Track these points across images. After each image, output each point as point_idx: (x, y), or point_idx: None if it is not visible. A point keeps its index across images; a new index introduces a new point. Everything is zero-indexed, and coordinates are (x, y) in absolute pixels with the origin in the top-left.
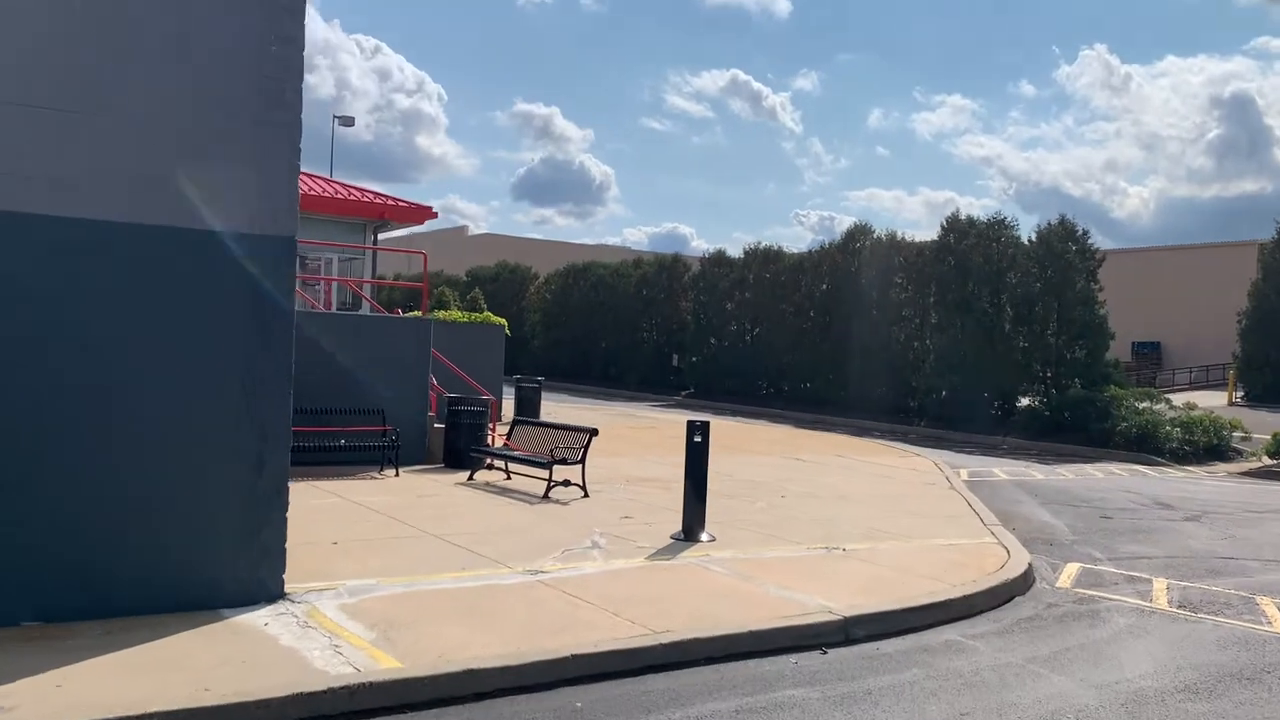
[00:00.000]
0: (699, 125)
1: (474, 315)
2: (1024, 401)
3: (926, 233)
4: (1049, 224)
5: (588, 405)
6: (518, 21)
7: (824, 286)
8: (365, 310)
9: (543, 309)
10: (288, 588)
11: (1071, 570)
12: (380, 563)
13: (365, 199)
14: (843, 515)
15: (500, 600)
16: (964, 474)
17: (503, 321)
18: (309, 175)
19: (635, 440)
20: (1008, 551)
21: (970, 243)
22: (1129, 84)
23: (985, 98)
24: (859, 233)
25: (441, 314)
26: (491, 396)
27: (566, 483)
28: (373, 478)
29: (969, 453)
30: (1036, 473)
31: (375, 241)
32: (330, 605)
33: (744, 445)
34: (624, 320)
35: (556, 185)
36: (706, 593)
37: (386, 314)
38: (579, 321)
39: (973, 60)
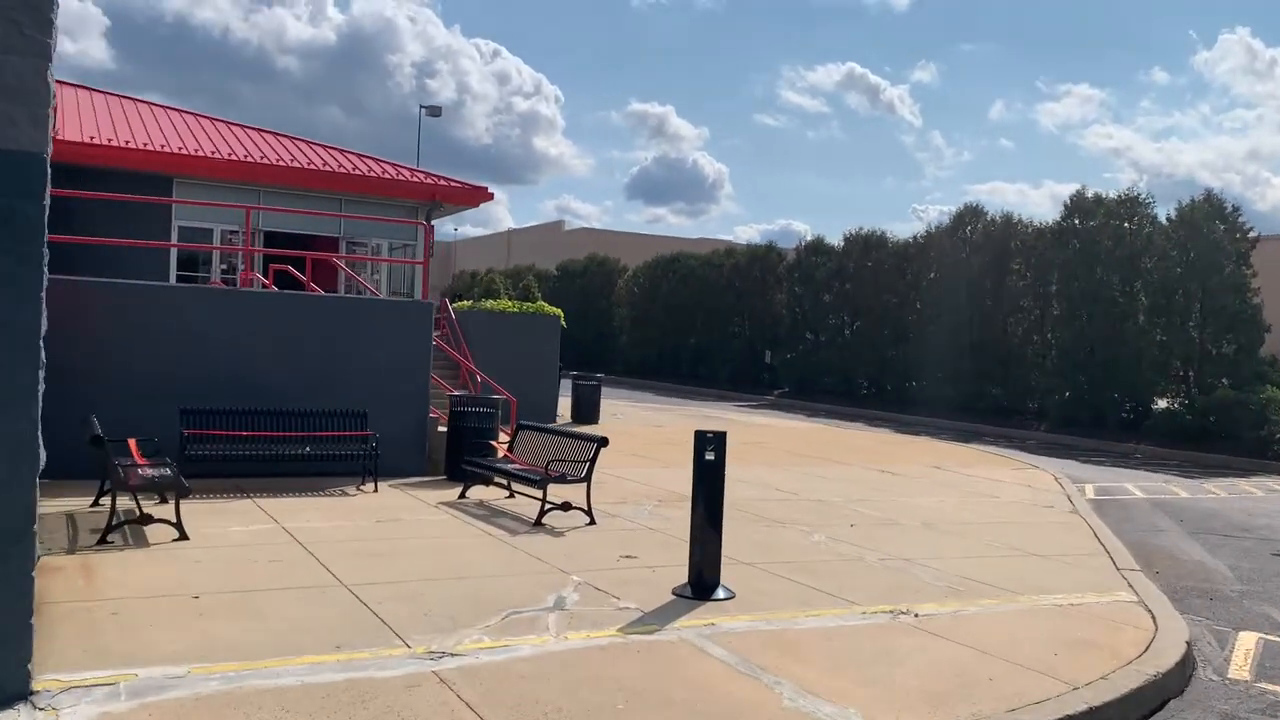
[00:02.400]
0: (814, 120)
1: (525, 305)
2: (1161, 404)
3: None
4: (1192, 200)
5: (664, 405)
6: (633, 21)
7: (931, 275)
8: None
9: (630, 303)
10: (48, 680)
11: (1247, 645)
12: (229, 634)
13: (415, 179)
14: (925, 554)
15: (349, 714)
16: (1089, 491)
17: (557, 311)
18: (354, 154)
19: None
20: (1153, 617)
21: (1098, 223)
22: (1274, 69)
23: (1114, 86)
24: (970, 215)
25: (490, 303)
26: (505, 395)
27: (566, 506)
28: (342, 494)
29: (1096, 463)
30: (1179, 489)
31: (429, 224)
32: (86, 715)
33: (826, 453)
34: (714, 314)
35: (670, 184)
36: (680, 704)
37: (378, 296)
38: (667, 316)
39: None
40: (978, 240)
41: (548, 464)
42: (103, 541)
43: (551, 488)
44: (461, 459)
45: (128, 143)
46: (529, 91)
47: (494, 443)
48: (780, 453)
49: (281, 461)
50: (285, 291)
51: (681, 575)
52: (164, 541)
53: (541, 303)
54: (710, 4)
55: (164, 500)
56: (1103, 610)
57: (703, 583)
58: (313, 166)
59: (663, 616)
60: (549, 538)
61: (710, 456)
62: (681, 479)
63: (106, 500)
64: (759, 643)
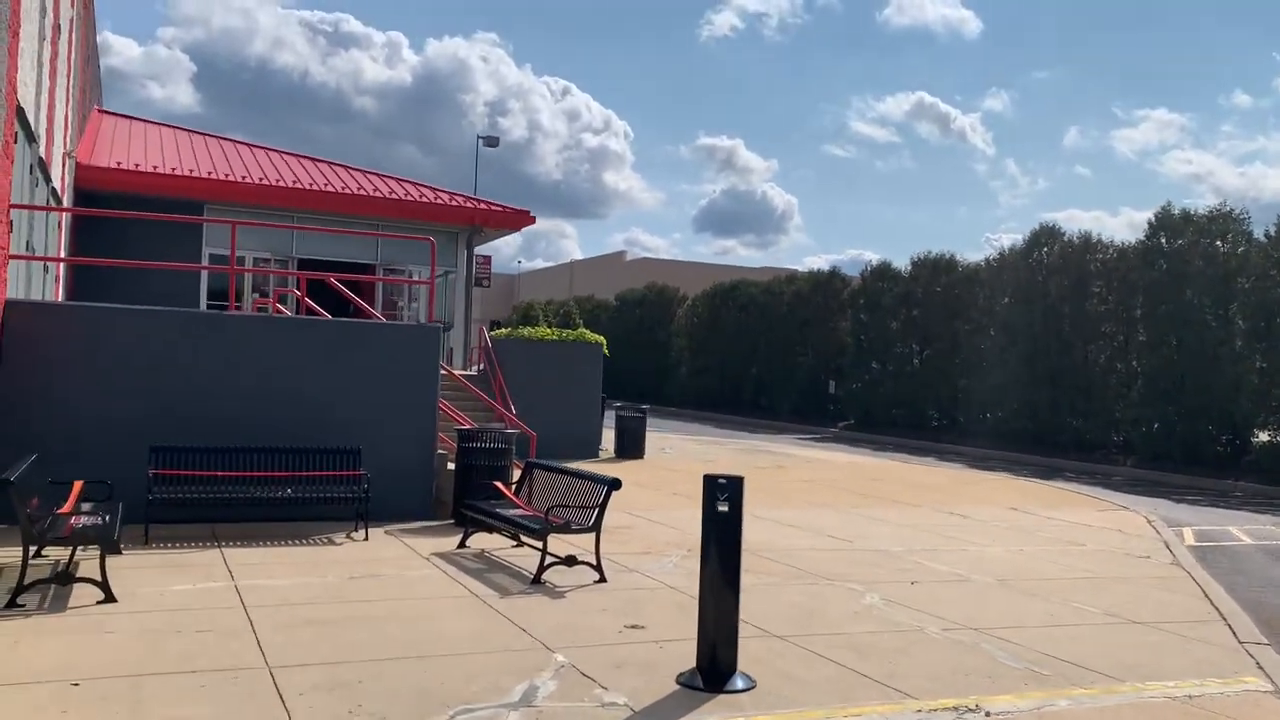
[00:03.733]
0: (884, 150)
1: (565, 332)
2: (1262, 436)
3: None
4: None
5: (719, 438)
6: (701, 55)
7: (1005, 300)
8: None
9: (689, 333)
10: None
11: None
12: None
13: (454, 203)
14: (1000, 621)
15: None
16: (1188, 536)
17: (599, 339)
18: (393, 178)
19: (748, 486)
20: None
21: (1186, 242)
22: None
23: (1193, 111)
24: (1046, 236)
25: (527, 331)
26: (519, 429)
27: (571, 560)
28: (328, 542)
29: (1191, 502)
30: None
31: (471, 250)
32: None
33: (889, 492)
34: (775, 344)
35: (739, 216)
36: None
37: (381, 320)
38: (727, 346)
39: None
40: (1055, 262)
41: (549, 510)
42: (11, 604)
43: (557, 538)
44: (454, 502)
45: (156, 168)
46: (598, 127)
47: (499, 484)
48: (838, 492)
49: (258, 505)
50: (271, 315)
51: (691, 656)
52: (88, 604)
53: (583, 330)
54: (778, 36)
55: (118, 551)
56: (1231, 707)
57: (715, 669)
58: (348, 191)
59: (658, 718)
60: (545, 600)
61: (723, 508)
62: None
63: (52, 551)
64: None
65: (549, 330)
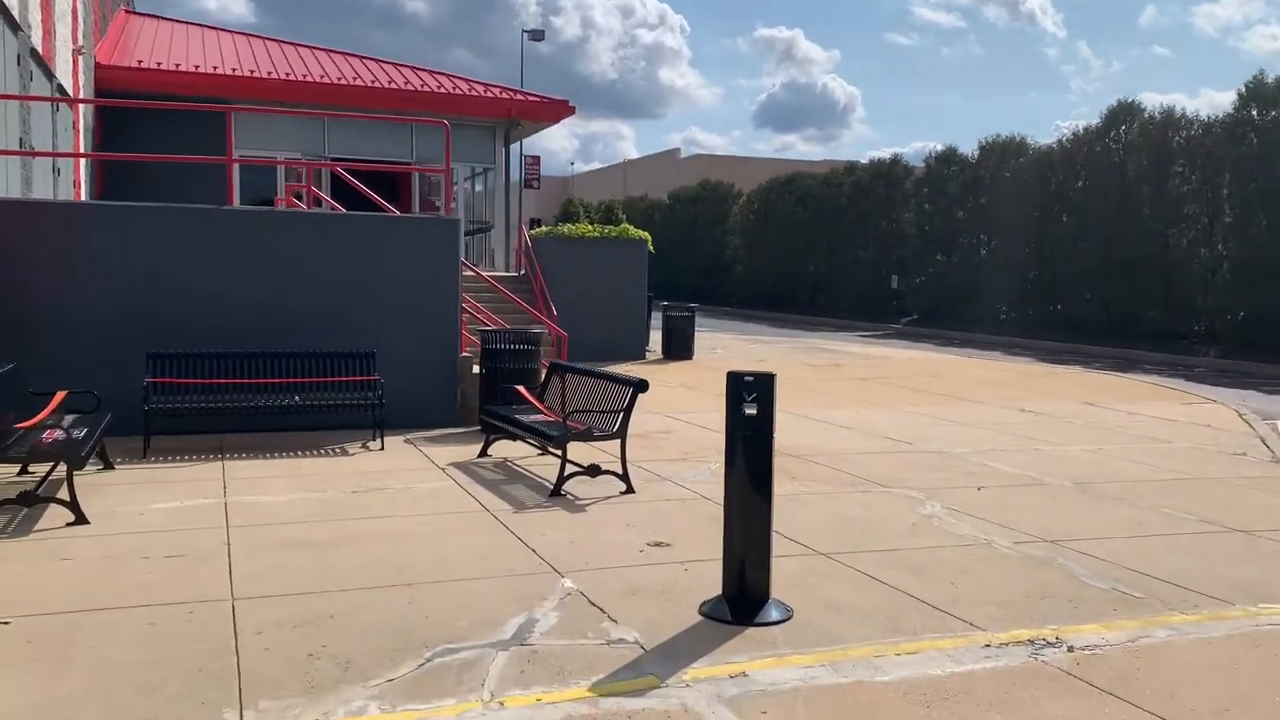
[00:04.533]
0: (949, 36)
1: (608, 229)
2: None
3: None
4: None
5: (774, 338)
6: None
7: (1079, 184)
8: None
9: (744, 230)
10: None
11: None
12: None
13: (490, 95)
14: (1079, 531)
15: None
16: None
17: (644, 236)
18: (426, 71)
19: (800, 385)
20: None
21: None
22: None
23: None
24: (1124, 113)
25: (566, 228)
26: (549, 328)
27: (594, 470)
28: (341, 453)
29: None
30: None
31: (507, 146)
32: None
33: (955, 389)
34: (834, 238)
35: (799, 110)
36: None
37: (395, 213)
38: (784, 242)
39: None
40: (1134, 141)
41: (568, 415)
42: None
43: (579, 446)
44: (480, 407)
45: (179, 65)
46: (653, 23)
47: (521, 388)
48: (898, 390)
49: (264, 415)
50: (276, 210)
51: (716, 582)
52: (56, 527)
53: (626, 225)
54: None
55: (110, 465)
56: None
57: (743, 598)
58: (377, 85)
59: (671, 658)
60: (562, 514)
61: (750, 410)
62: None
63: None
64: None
65: (590, 227)
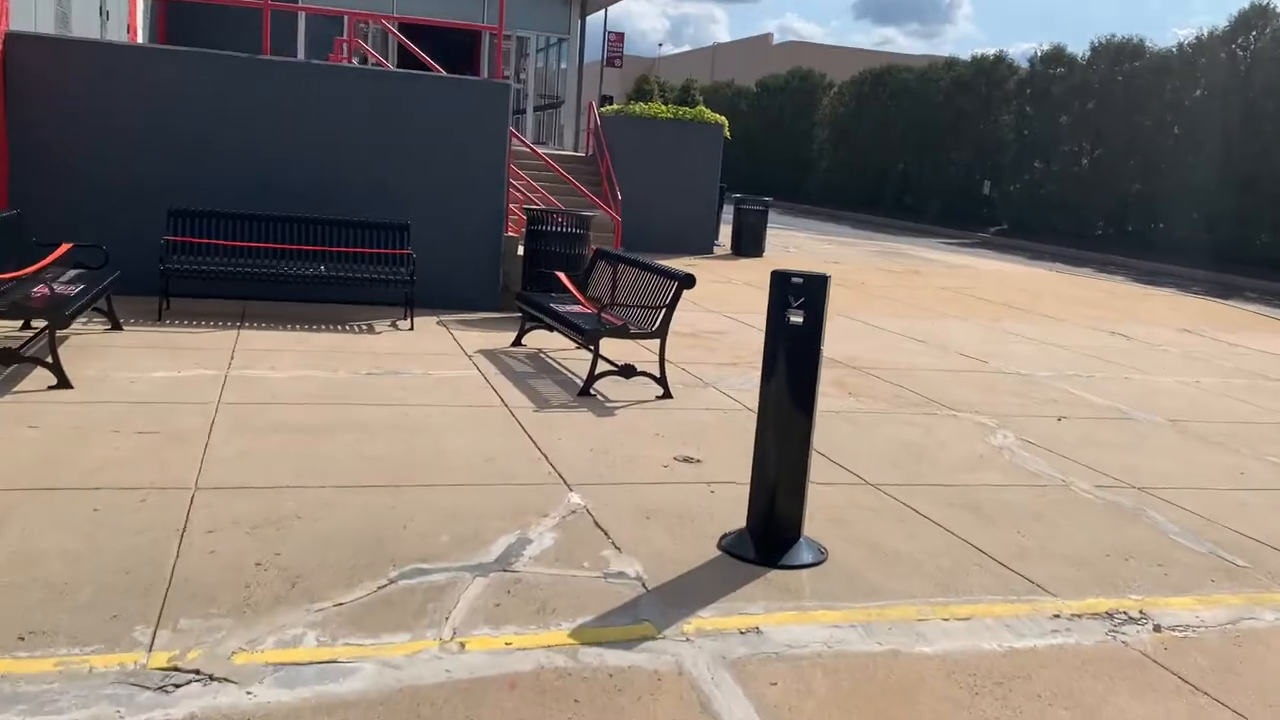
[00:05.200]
0: None
1: (682, 110)
2: None
3: None
4: None
5: (853, 239)
6: None
7: (1198, 93)
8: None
9: (832, 124)
10: None
11: None
12: None
13: None
14: (1172, 478)
15: None
16: None
17: (719, 119)
18: None
19: (873, 292)
20: None
21: None
22: None
23: None
24: (1256, 16)
25: (638, 108)
26: (603, 211)
27: (629, 370)
28: (367, 330)
29: None
30: None
31: (583, 15)
32: None
33: (1040, 306)
34: (927, 137)
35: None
36: None
37: (440, 73)
38: (873, 139)
39: None
40: (1263, 48)
41: (604, 307)
42: None
43: (618, 343)
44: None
45: None
46: None
47: (561, 274)
48: (979, 302)
49: (286, 283)
50: (308, 62)
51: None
52: (37, 390)
53: (702, 107)
54: None
55: (118, 325)
56: None
57: (771, 533)
58: None
59: (675, 602)
60: (587, 416)
61: (795, 318)
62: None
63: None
64: (831, 698)
65: (663, 107)
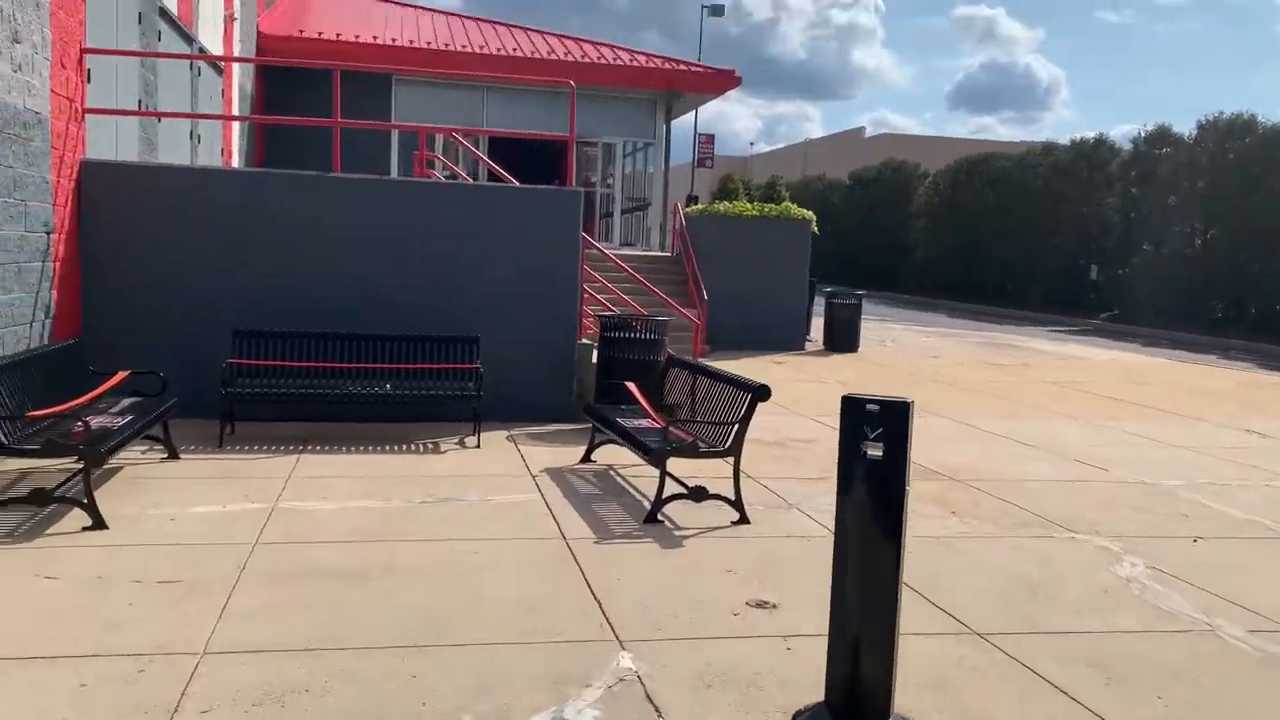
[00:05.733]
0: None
1: (767, 207)
2: None
3: None
4: None
5: (953, 330)
6: None
7: None
8: (655, 209)
9: (928, 213)
10: None
11: None
12: None
13: (650, 65)
14: None
15: None
16: None
17: (806, 214)
18: (589, 41)
19: (977, 388)
20: None
21: None
22: None
23: None
24: None
25: (722, 206)
26: (683, 314)
27: (700, 493)
28: (431, 450)
29: None
30: None
31: (668, 119)
32: None
33: (1160, 400)
34: (1026, 223)
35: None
36: None
37: (513, 184)
38: (971, 226)
39: None
40: None
41: (670, 423)
42: None
43: (684, 462)
44: (598, 401)
45: (340, 35)
46: (847, 2)
47: (631, 385)
48: (1093, 398)
49: (353, 404)
50: (374, 177)
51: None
52: (73, 531)
53: (789, 204)
54: None
55: (175, 454)
56: None
57: (853, 710)
58: (537, 55)
59: None
60: (652, 549)
61: (874, 451)
62: (932, 441)
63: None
64: None
65: (748, 205)
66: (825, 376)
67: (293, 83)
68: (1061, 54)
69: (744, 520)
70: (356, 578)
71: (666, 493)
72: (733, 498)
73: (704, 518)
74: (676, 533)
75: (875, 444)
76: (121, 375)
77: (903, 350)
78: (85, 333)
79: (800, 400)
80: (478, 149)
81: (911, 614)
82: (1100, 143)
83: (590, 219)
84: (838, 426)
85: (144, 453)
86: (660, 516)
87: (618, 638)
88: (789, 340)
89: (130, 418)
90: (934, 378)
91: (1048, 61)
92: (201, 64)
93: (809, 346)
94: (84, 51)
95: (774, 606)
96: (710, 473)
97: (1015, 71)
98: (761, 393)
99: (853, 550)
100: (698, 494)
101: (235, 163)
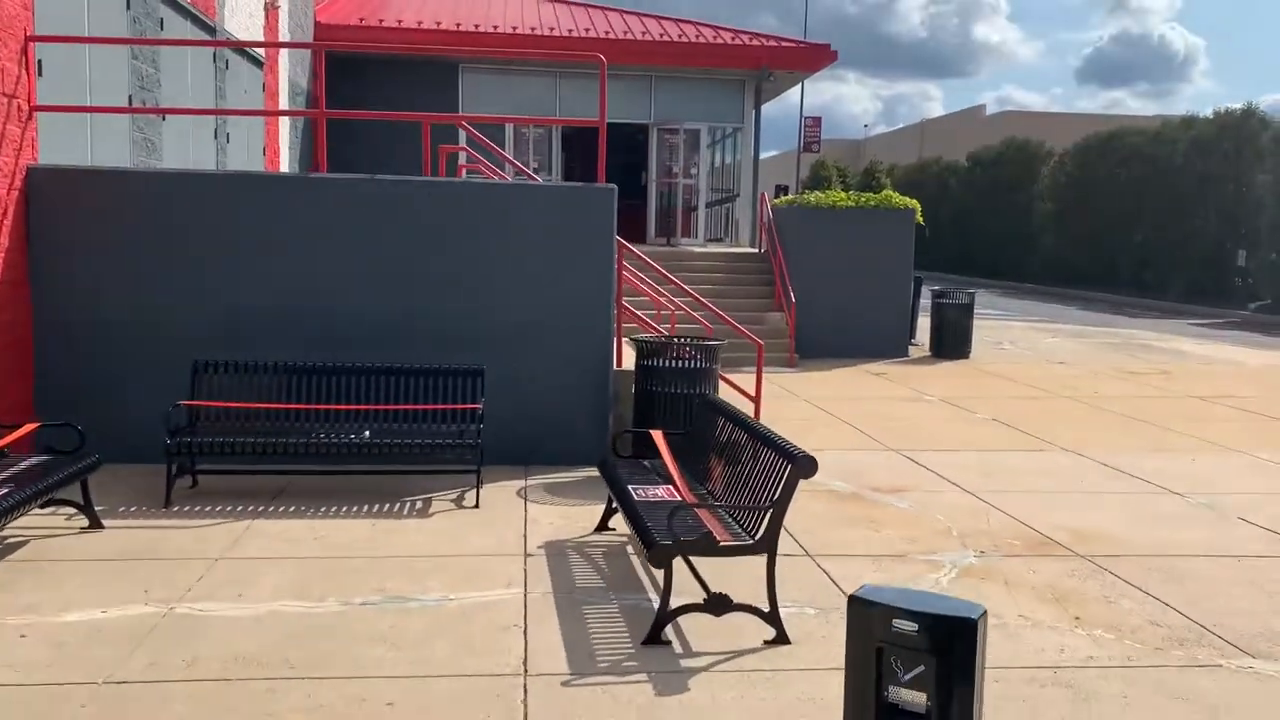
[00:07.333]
0: None
1: (865, 197)
2: None
3: None
4: None
5: (1082, 327)
6: None
7: None
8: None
9: (1055, 195)
10: None
11: None
12: None
13: (736, 42)
14: None
15: None
16: None
17: (911, 204)
18: (669, 19)
19: (1105, 406)
20: None
21: None
22: None
23: None
24: None
25: (813, 197)
26: (744, 333)
27: (721, 602)
28: (415, 511)
29: None
30: None
31: (758, 102)
32: None
33: None
34: (1165, 205)
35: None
36: None
37: (536, 180)
38: (1102, 209)
39: None
40: None
41: (672, 511)
42: None
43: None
44: (633, 446)
45: (400, 21)
46: None
47: (656, 434)
48: (1255, 420)
49: (322, 455)
50: (365, 176)
51: None
52: None
53: (888, 192)
54: None
55: (97, 523)
56: None
57: None
58: (611, 35)
59: None
60: (644, 695)
61: (908, 695)
62: (1044, 488)
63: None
64: None
65: (842, 195)
66: (927, 392)
67: (358, 78)
68: (1201, 22)
69: (782, 639)
70: None
71: (678, 601)
72: (767, 609)
73: (726, 635)
74: (684, 661)
75: (908, 683)
76: (28, 428)
77: (1021, 354)
78: (37, 362)
79: (891, 427)
80: (550, 143)
81: None
82: (1248, 114)
83: (672, 213)
84: (937, 469)
85: (68, 519)
86: (665, 637)
87: None
88: (890, 346)
89: (8, 489)
90: (1054, 390)
91: (1186, 31)
92: (230, 55)
93: (913, 352)
94: (30, 39)
95: None
96: (726, 579)
97: (1149, 42)
98: (804, 467)
99: None
100: (717, 604)
101: (284, 166)
